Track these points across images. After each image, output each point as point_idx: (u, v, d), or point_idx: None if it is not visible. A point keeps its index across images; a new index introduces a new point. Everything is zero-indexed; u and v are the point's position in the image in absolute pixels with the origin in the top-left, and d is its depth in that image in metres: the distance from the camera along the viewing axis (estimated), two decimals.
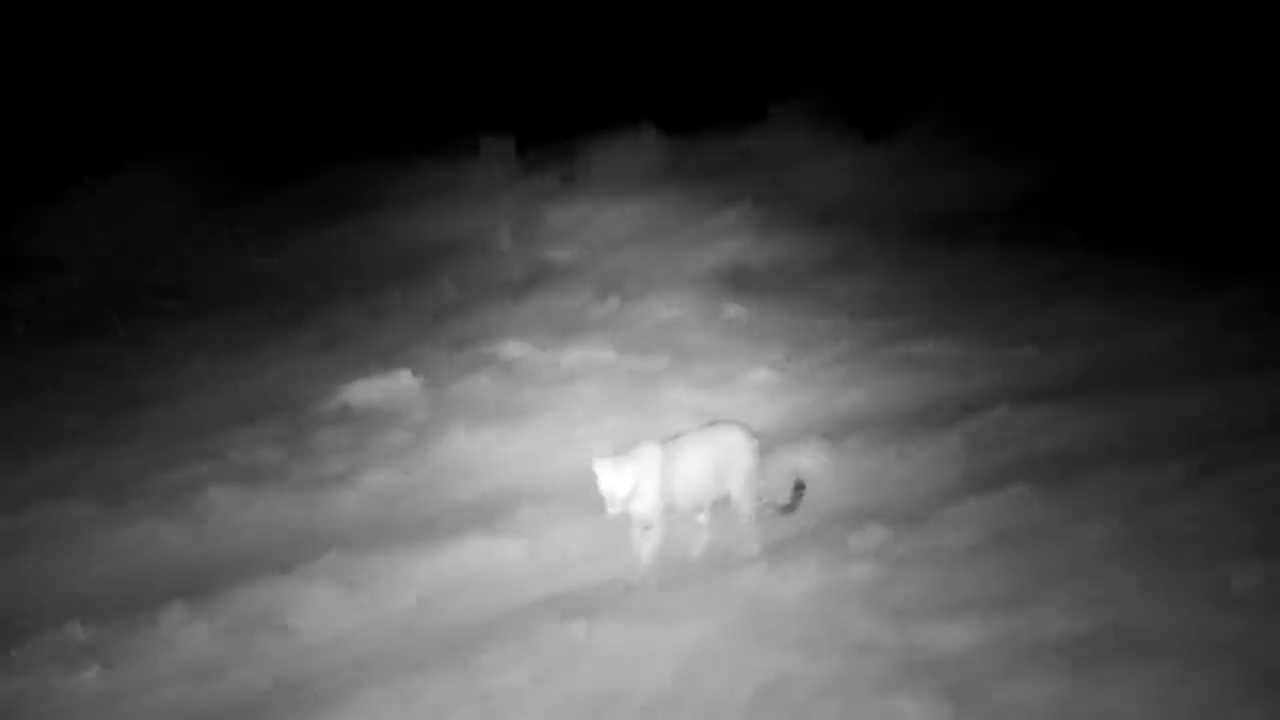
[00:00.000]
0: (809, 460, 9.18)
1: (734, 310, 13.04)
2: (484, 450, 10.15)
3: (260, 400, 11.28)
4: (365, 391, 11.19)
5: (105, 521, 8.98)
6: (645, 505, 7.44)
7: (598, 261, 14.83)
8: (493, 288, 14.18)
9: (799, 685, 6.18)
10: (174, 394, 11.35)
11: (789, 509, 7.97)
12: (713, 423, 8.03)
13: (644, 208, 16.22)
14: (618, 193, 16.53)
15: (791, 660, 6.41)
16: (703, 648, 6.66)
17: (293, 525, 9.11)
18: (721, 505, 7.87)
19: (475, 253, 15.30)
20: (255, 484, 9.61)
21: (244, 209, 16.21)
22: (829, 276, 13.96)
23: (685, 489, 7.62)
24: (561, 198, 16.68)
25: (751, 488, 7.82)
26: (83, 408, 11.08)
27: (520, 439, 10.33)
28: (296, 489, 9.59)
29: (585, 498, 9.01)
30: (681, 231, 15.54)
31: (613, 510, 7.30)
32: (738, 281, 13.84)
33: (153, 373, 11.90)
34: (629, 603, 7.32)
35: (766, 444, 9.16)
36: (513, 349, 12.28)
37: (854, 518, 8.10)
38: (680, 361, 11.73)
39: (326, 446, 10.30)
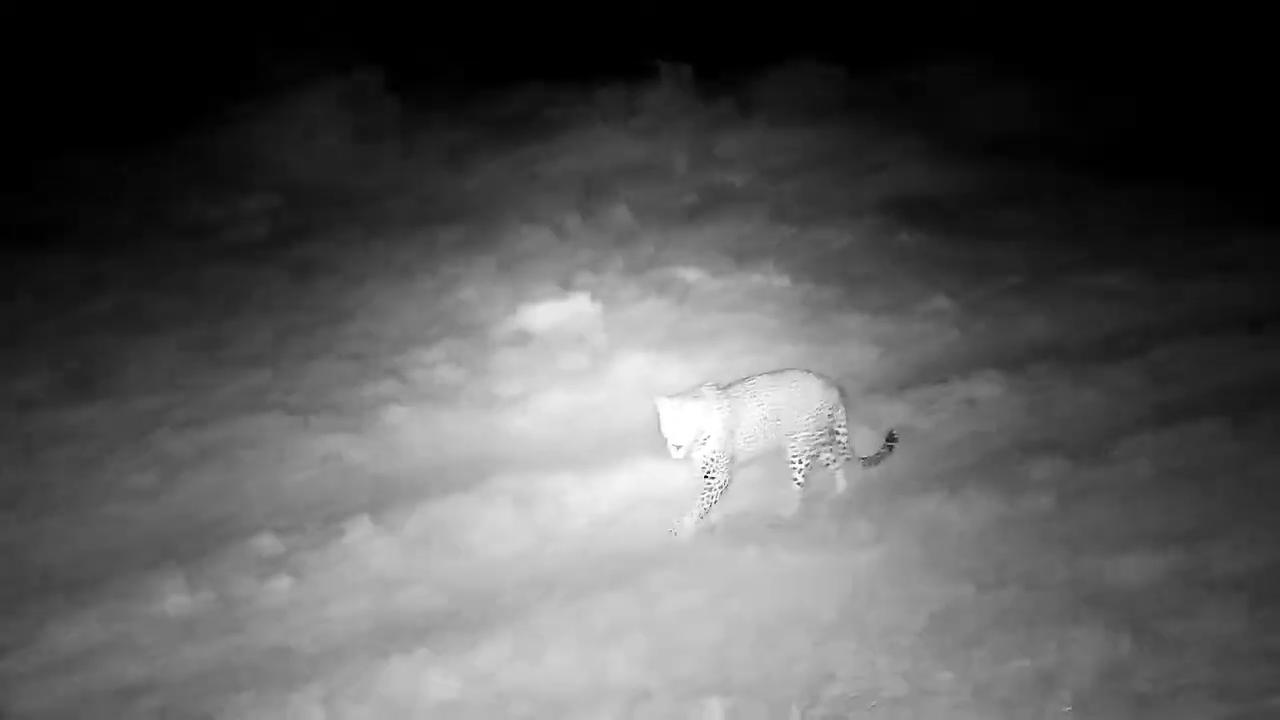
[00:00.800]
0: (984, 390, 9.15)
1: (906, 238, 12.95)
2: (659, 374, 10.20)
3: (442, 321, 11.41)
4: (545, 314, 11.26)
5: (294, 437, 9.19)
6: (706, 450, 7.35)
7: (772, 188, 14.79)
8: (669, 213, 14.19)
9: (972, 614, 6.23)
10: (358, 313, 11.51)
11: (871, 463, 7.91)
12: (785, 369, 7.95)
13: (818, 135, 16.07)
14: (792, 120, 16.40)
15: (964, 590, 6.46)
16: (875, 575, 6.74)
17: (472, 445, 9.23)
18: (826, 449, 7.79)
19: (652, 177, 15.32)
20: (437, 403, 9.76)
21: (426, 131, 16.35)
22: (1001, 207, 13.76)
23: (746, 435, 7.46)
24: (737, 124, 16.60)
25: (820, 439, 7.69)
26: (271, 325, 11.28)
27: (695, 364, 10.36)
28: (476, 409, 9.72)
29: None
30: (854, 160, 15.40)
31: (677, 454, 7.23)
32: (909, 210, 13.69)
33: (338, 292, 12.06)
34: (801, 529, 7.39)
35: (939, 374, 9.15)
36: (688, 274, 12.31)
37: (1030, 449, 8.10)
38: (853, 289, 11.68)
39: (506, 368, 10.40)
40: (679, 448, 7.19)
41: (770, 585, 6.78)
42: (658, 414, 7.23)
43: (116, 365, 10.53)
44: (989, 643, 5.99)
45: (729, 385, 7.54)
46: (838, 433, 7.82)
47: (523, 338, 10.92)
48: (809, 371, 7.87)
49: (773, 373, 7.78)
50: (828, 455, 7.85)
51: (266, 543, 7.68)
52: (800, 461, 7.66)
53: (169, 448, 9.09)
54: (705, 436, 7.29)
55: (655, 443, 8.67)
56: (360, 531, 7.72)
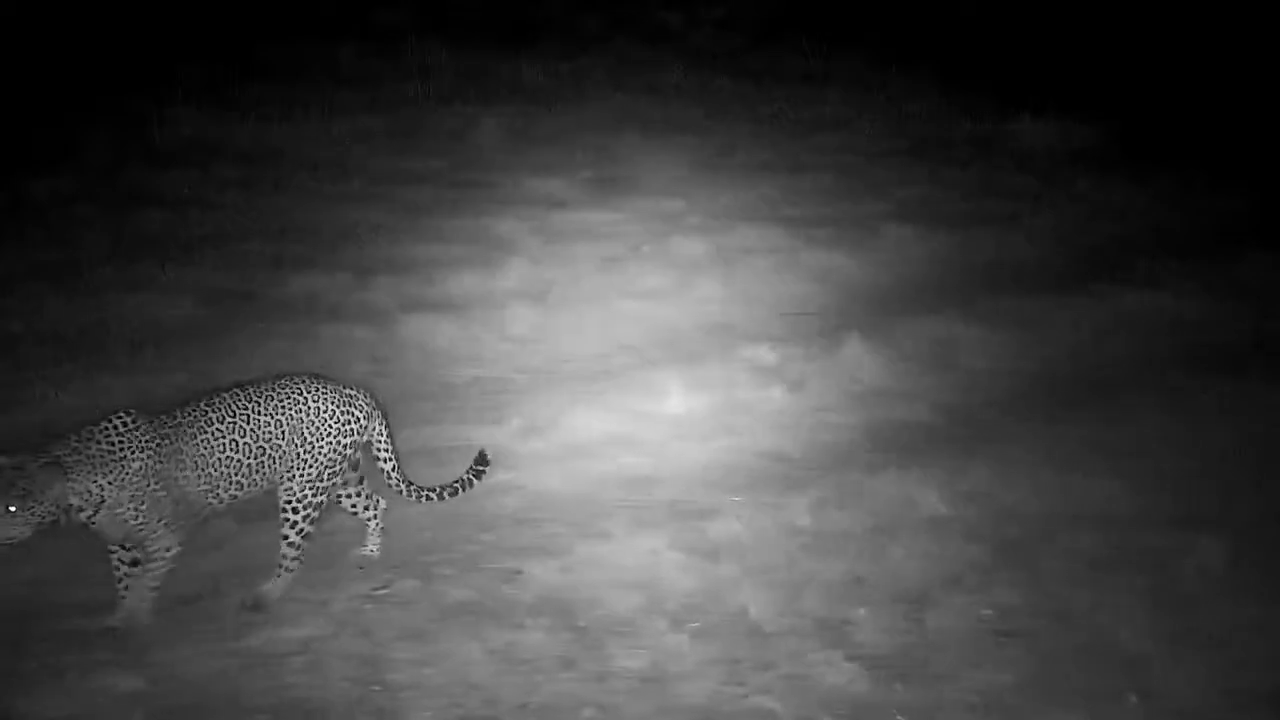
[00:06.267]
0: None
1: None
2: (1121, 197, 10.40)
3: (927, 140, 11.72)
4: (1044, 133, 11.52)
5: (797, 252, 9.55)
6: (121, 514, 4.98)
7: None
8: None
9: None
10: (850, 128, 11.97)
11: (451, 492, 5.89)
12: (275, 375, 5.46)
13: None
14: None
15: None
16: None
17: (963, 263, 9.51)
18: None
19: None
20: (927, 222, 10.00)
21: None
22: None
23: (206, 479, 5.11)
24: None
25: (335, 475, 5.43)
26: (773, 136, 11.81)
27: None
28: (968, 227, 9.96)
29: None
30: None
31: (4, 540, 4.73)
32: None
33: (836, 102, 12.53)
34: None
35: None
36: None
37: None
38: None
39: (1003, 188, 10.68)
40: (10, 539, 4.72)
41: (1243, 416, 6.99)
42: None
43: (636, 169, 11.08)
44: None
45: (171, 410, 5.17)
46: (380, 459, 5.66)
47: (1023, 159, 11.17)
48: (317, 378, 5.48)
49: (248, 384, 5.35)
50: (355, 500, 5.70)
51: (764, 354, 8.00)
52: (295, 512, 5.35)
53: (683, 251, 9.53)
54: (99, 501, 4.91)
55: (1117, 267, 8.85)
56: (853, 347, 7.95)
